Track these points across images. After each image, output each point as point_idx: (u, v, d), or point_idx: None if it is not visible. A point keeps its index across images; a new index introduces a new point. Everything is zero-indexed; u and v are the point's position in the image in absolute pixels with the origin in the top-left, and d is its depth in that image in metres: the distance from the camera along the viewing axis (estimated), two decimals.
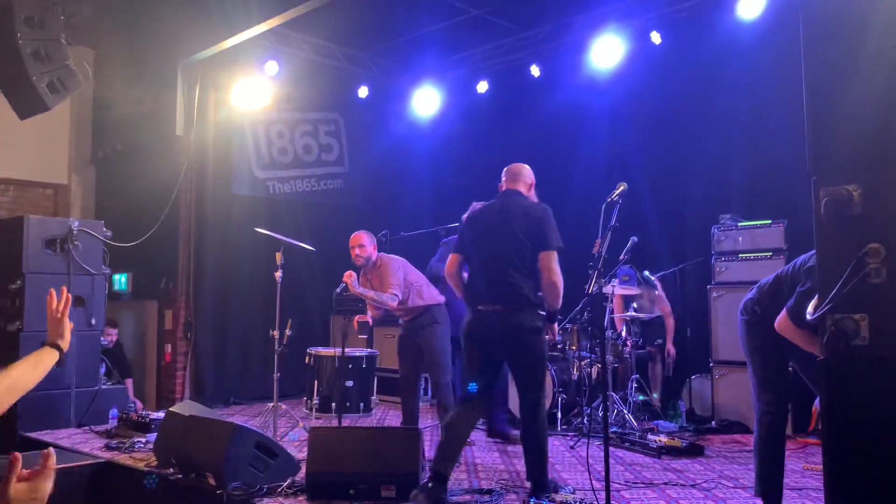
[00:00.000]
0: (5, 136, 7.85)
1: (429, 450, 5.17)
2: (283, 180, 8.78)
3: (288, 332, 5.75)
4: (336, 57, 8.64)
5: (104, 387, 6.52)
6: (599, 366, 6.15)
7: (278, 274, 5.72)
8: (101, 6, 7.11)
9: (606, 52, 7.21)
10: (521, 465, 4.99)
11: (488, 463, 5.10)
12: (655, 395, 6.75)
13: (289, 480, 4.19)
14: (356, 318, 5.86)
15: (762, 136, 6.65)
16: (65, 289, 2.12)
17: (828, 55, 2.47)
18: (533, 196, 4.39)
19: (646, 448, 5.35)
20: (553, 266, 3.99)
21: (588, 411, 6.10)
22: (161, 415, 5.40)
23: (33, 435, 5.81)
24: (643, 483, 4.48)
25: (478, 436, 6.03)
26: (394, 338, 7.88)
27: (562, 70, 7.83)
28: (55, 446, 4.99)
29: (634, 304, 6.65)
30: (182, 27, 7.44)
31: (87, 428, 6.10)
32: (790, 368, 3.79)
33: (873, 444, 2.33)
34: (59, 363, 2.01)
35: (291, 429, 5.93)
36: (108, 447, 5.28)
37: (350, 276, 5.39)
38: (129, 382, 7.46)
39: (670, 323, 6.89)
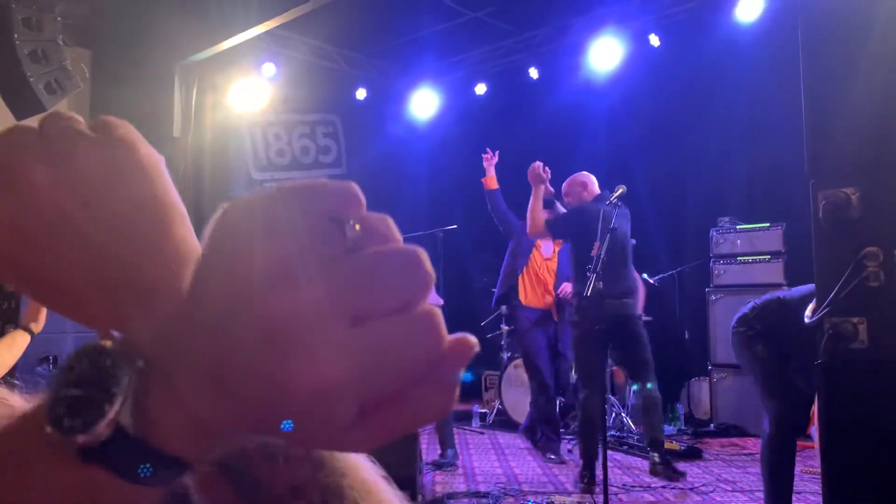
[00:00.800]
0: None
1: (426, 453, 5.16)
2: (281, 182, 8.77)
3: None
4: (334, 59, 8.63)
5: None
6: None
7: None
8: (98, 8, 7.10)
9: (605, 54, 7.21)
10: (518, 469, 4.98)
11: (486, 467, 5.08)
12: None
13: None
14: None
15: (761, 139, 6.64)
16: None
17: (826, 60, 2.46)
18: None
19: (644, 451, 5.34)
20: None
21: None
22: None
23: None
24: (641, 486, 4.47)
25: (480, 440, 6.02)
26: None
27: (560, 72, 7.82)
28: None
29: None
30: (179, 29, 7.42)
31: None
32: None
33: (871, 447, 2.32)
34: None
35: None
36: None
37: None
38: None
39: None
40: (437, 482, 4.59)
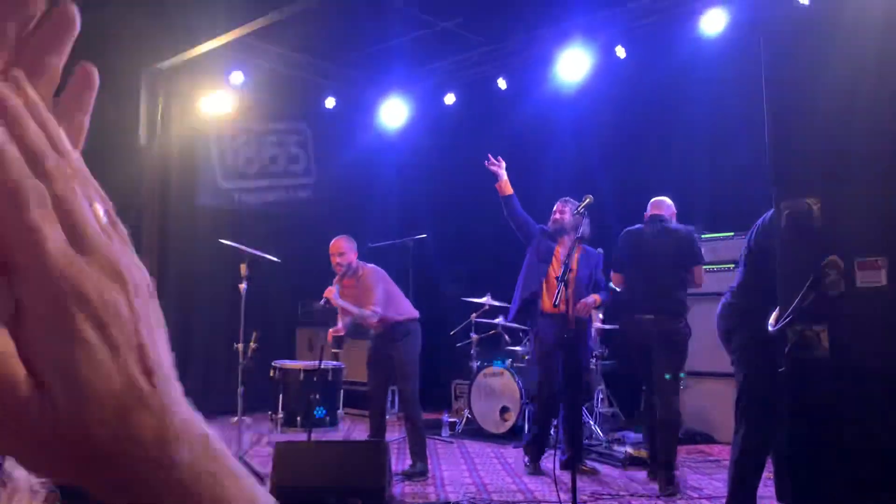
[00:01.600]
0: None
1: (395, 463, 5.14)
2: (249, 190, 8.69)
3: (253, 344, 5.67)
4: (303, 67, 8.60)
5: None
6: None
7: (243, 286, 5.64)
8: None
9: (572, 65, 7.29)
10: (487, 478, 4.98)
11: (455, 476, 5.07)
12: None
13: None
14: (330, 331, 5.75)
15: (725, 150, 6.76)
16: None
17: (787, 74, 2.52)
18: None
19: (612, 459, 5.37)
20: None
21: (555, 423, 6.11)
22: None
23: None
24: (609, 494, 4.49)
25: (449, 449, 6.00)
26: (360, 350, 7.83)
27: (529, 83, 7.88)
28: None
29: (600, 315, 6.69)
30: (146, 35, 7.34)
31: None
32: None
33: (834, 451, 2.36)
34: None
35: (256, 443, 5.85)
36: None
37: (330, 292, 5.24)
38: None
39: None
40: (407, 493, 4.57)
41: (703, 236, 6.41)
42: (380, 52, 8.22)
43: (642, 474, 5.03)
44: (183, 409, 0.32)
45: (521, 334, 7.12)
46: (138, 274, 0.32)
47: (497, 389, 6.50)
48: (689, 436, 6.20)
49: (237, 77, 7.90)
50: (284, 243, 7.86)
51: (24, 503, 0.42)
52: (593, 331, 6.59)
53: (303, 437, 5.71)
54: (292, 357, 8.15)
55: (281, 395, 6.48)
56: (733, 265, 6.19)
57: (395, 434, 6.28)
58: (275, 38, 7.96)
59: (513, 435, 6.39)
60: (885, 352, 2.28)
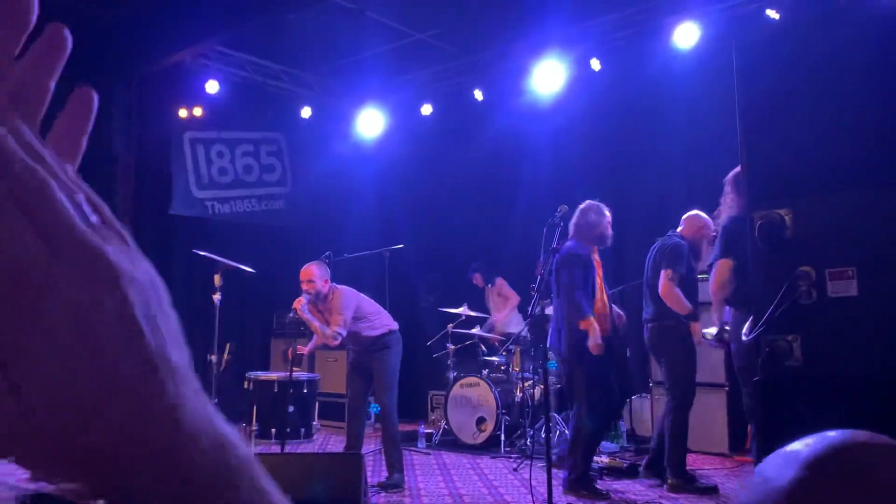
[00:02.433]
0: None
1: (372, 475, 5.10)
2: (223, 200, 8.62)
3: (226, 356, 5.61)
4: (278, 77, 8.57)
5: None
6: (542, 387, 6.18)
7: (217, 296, 5.58)
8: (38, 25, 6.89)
9: (548, 77, 7.34)
10: (464, 489, 4.97)
11: (432, 488, 5.05)
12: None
13: None
14: (295, 348, 5.67)
15: (699, 161, 6.83)
16: None
17: (759, 86, 2.55)
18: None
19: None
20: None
21: (531, 433, 6.11)
22: None
23: None
24: None
25: (426, 460, 5.96)
26: (336, 361, 7.78)
27: (505, 94, 7.93)
28: None
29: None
30: (120, 44, 7.27)
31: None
32: None
33: None
34: None
35: None
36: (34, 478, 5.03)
37: (299, 303, 5.21)
38: None
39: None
40: None
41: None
42: (356, 63, 8.22)
43: (618, 483, 5.05)
44: (198, 410, 0.31)
45: (496, 345, 7.12)
46: (137, 269, 0.31)
47: (474, 400, 6.49)
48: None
49: (212, 86, 7.85)
50: (259, 254, 7.81)
51: None
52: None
53: (277, 449, 5.66)
54: (267, 368, 8.07)
55: (255, 407, 6.41)
56: (706, 275, 6.26)
57: (371, 446, 6.23)
58: (250, 48, 7.94)
59: (489, 445, 6.38)
60: (857, 360, 2.31)
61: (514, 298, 7.60)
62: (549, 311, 6.16)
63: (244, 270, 5.86)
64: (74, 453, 0.28)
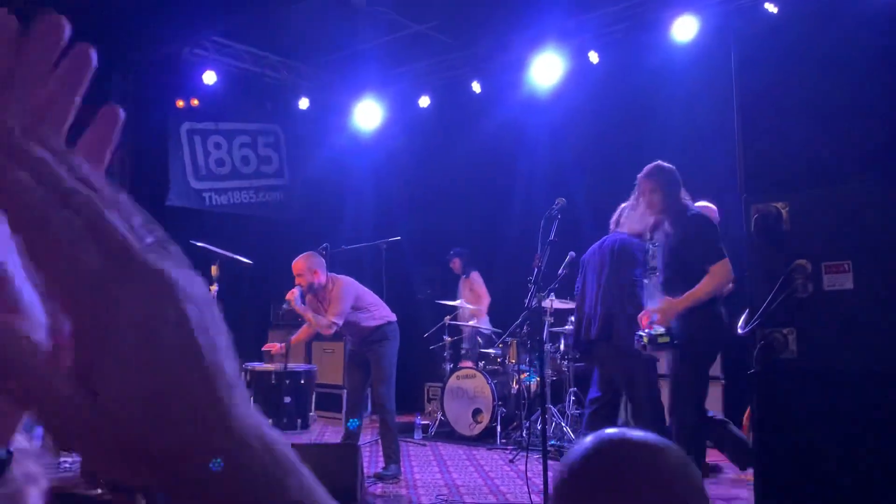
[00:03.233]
0: None
1: (368, 466, 5.12)
2: (221, 191, 8.61)
3: None
4: (276, 68, 8.55)
5: None
6: (538, 379, 6.20)
7: (214, 288, 5.57)
8: (27, 10, 6.87)
9: (546, 69, 7.34)
10: (459, 480, 4.99)
11: (428, 479, 5.07)
12: None
13: None
14: (289, 343, 5.65)
15: (696, 154, 6.83)
16: None
17: (757, 80, 2.56)
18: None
19: None
20: None
21: (527, 424, 6.13)
22: None
23: None
24: None
25: (422, 451, 5.99)
26: (333, 353, 7.80)
27: (503, 87, 7.92)
28: None
29: (572, 318, 6.73)
30: (117, 33, 7.25)
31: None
32: None
33: (802, 453, 2.40)
34: None
35: None
36: None
37: (292, 295, 5.22)
38: None
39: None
40: (379, 494, 4.56)
41: None
42: (354, 55, 8.20)
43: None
44: (246, 414, 0.33)
45: (493, 337, 7.14)
46: (191, 284, 0.34)
47: (470, 392, 6.51)
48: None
49: (210, 77, 7.83)
50: (256, 245, 7.80)
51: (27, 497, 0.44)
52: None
53: None
54: (263, 359, 8.08)
55: (252, 398, 6.42)
56: None
57: (367, 437, 6.25)
58: (248, 39, 7.92)
59: (485, 437, 6.40)
60: (851, 353, 2.32)
61: (486, 298, 7.65)
62: (546, 303, 6.20)
63: (241, 262, 5.86)
64: (140, 452, 0.31)
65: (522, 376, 6.49)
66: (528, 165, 7.84)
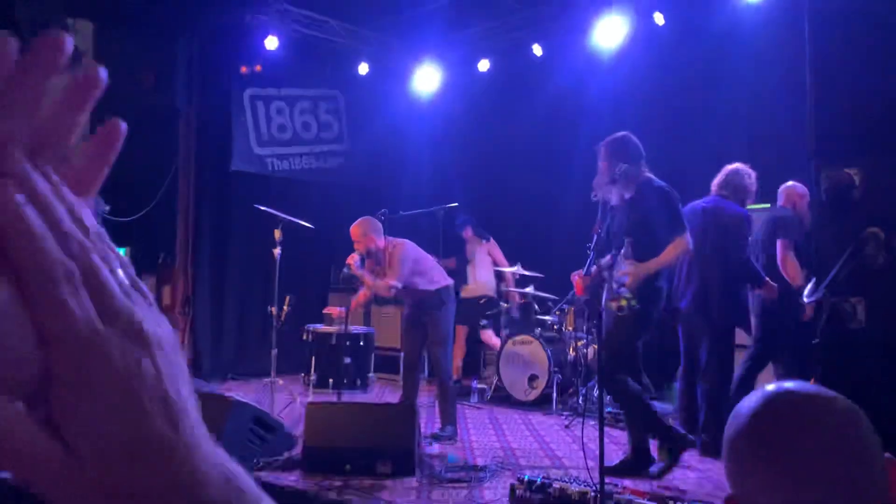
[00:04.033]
0: None
1: (425, 426, 5.21)
2: (282, 157, 8.74)
3: (286, 308, 5.76)
4: (336, 32, 8.57)
5: None
6: (595, 347, 6.17)
7: (277, 251, 5.71)
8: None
9: (609, 32, 7.16)
10: (515, 444, 5.04)
11: (484, 441, 5.13)
12: None
13: (285, 455, 4.22)
14: (333, 310, 5.75)
15: (763, 119, 6.62)
16: None
17: (834, 42, 2.45)
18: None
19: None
20: None
21: (583, 391, 6.13)
22: None
23: None
24: None
25: (478, 415, 6.05)
26: (391, 316, 7.91)
27: (564, 49, 7.77)
28: None
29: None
30: (182, 1, 7.37)
31: None
32: None
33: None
34: None
35: (289, 404, 5.96)
36: None
37: (353, 259, 5.31)
38: None
39: None
40: (435, 455, 4.64)
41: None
42: (413, 18, 8.16)
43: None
44: (209, 453, 0.35)
45: (549, 304, 7.12)
46: (161, 331, 0.35)
47: (526, 358, 6.53)
48: None
49: (272, 42, 7.91)
50: (317, 210, 7.93)
51: None
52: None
53: (334, 398, 5.82)
54: (324, 322, 8.26)
55: (313, 358, 6.58)
56: None
57: (425, 399, 6.35)
58: (308, 3, 7.95)
59: (541, 402, 6.43)
60: None
61: (505, 265, 7.54)
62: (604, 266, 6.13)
63: (303, 226, 5.97)
64: (111, 496, 0.33)
65: (579, 344, 6.47)
66: (590, 130, 7.68)
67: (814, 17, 2.48)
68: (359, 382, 6.67)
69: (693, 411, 4.91)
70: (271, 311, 5.72)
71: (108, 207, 6.55)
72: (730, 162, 6.87)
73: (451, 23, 8.12)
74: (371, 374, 6.88)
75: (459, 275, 7.39)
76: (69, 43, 0.35)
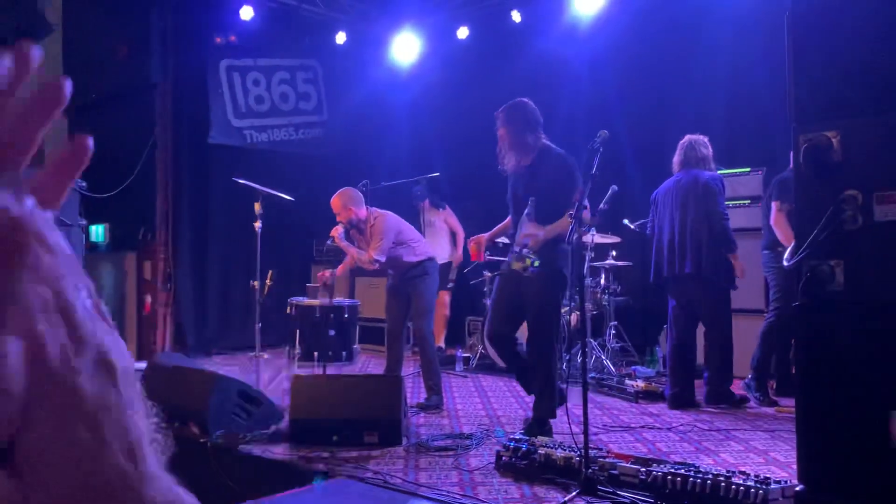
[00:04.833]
0: None
1: (411, 396, 5.25)
2: (261, 129, 8.64)
3: (269, 282, 5.73)
4: (313, 1, 8.44)
5: None
6: (579, 313, 6.22)
7: (258, 224, 5.67)
8: None
9: None
10: (500, 411, 5.09)
11: (469, 409, 5.18)
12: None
13: (272, 428, 4.24)
14: (325, 273, 5.76)
15: (743, 84, 6.63)
16: None
17: (811, 3, 2.45)
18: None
19: (623, 393, 5.46)
20: None
21: (567, 358, 6.19)
22: (142, 366, 5.41)
23: None
24: (621, 426, 4.58)
25: (463, 383, 6.10)
26: (376, 288, 7.91)
27: (543, 16, 7.71)
28: None
29: (613, 252, 6.71)
30: None
31: None
32: None
33: (846, 386, 2.39)
34: None
35: (274, 378, 5.97)
36: None
37: (336, 231, 5.32)
38: None
39: None
40: (421, 424, 4.68)
41: (719, 172, 6.36)
42: None
43: (654, 407, 5.12)
44: (165, 486, 0.35)
45: None
46: (124, 361, 0.34)
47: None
48: (700, 371, 6.26)
49: (247, 12, 7.77)
50: (298, 182, 7.87)
51: None
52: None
53: (320, 371, 5.83)
54: (307, 295, 8.25)
55: (298, 332, 6.58)
56: (748, 201, 6.16)
57: (410, 369, 6.39)
58: None
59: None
60: None
61: (461, 233, 7.62)
62: (586, 238, 6.17)
63: (283, 198, 5.92)
64: None
65: (563, 310, 6.51)
66: (570, 97, 7.67)
67: None
68: (344, 355, 6.68)
69: (682, 375, 5.22)
70: (254, 286, 5.69)
71: (84, 184, 6.45)
72: (710, 128, 6.89)
73: None
74: (356, 346, 6.89)
75: None
76: (38, 53, 0.34)
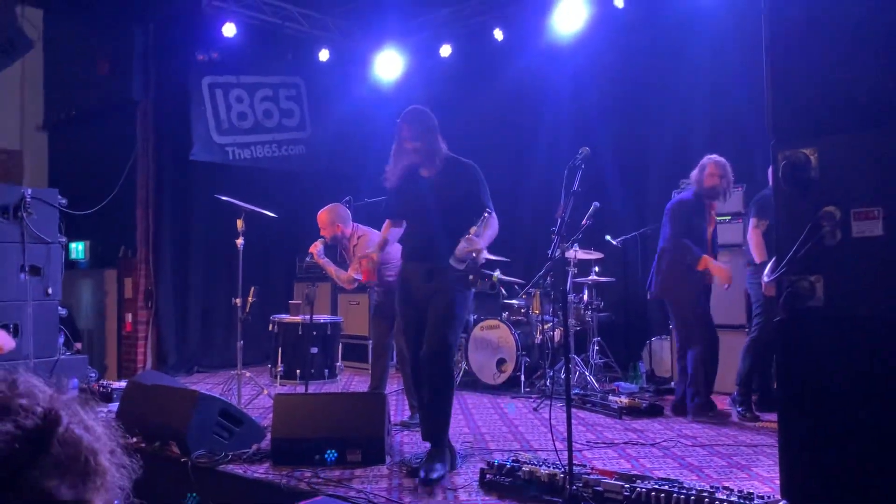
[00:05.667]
0: None
1: (394, 414, 5.21)
2: (243, 146, 8.62)
3: (251, 299, 5.70)
4: (296, 19, 8.46)
5: (63, 357, 6.41)
6: (562, 329, 6.23)
7: (240, 241, 5.64)
8: None
9: (569, 15, 7.16)
10: (484, 428, 5.07)
11: (453, 426, 5.15)
12: None
13: (254, 447, 4.19)
14: (313, 292, 5.72)
15: (723, 102, 6.71)
16: None
17: (788, 22, 2.49)
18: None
19: (607, 409, 5.46)
20: None
21: (551, 374, 6.19)
22: (123, 384, 5.34)
23: None
24: (604, 443, 4.58)
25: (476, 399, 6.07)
26: (358, 304, 7.89)
27: (525, 34, 7.77)
28: None
29: (596, 269, 6.73)
30: None
31: None
32: None
33: (827, 401, 2.40)
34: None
35: (256, 396, 5.92)
36: None
37: (315, 247, 5.32)
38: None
39: None
40: (405, 442, 4.65)
41: None
42: (374, 3, 8.09)
43: (637, 423, 5.13)
44: None
45: (516, 287, 7.16)
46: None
47: (494, 342, 6.57)
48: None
49: (229, 29, 7.77)
50: (280, 199, 7.85)
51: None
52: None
53: (301, 389, 5.79)
54: (289, 312, 8.20)
55: (280, 349, 6.54)
56: (729, 217, 6.22)
57: (394, 386, 6.35)
58: None
59: (509, 386, 6.48)
60: (881, 301, 2.30)
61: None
62: (569, 254, 6.20)
63: (266, 215, 5.91)
64: None
65: (546, 327, 6.53)
66: (552, 114, 7.74)
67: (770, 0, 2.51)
68: (327, 372, 6.64)
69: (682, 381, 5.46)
70: (236, 303, 5.66)
71: (65, 200, 6.40)
72: (690, 145, 6.97)
73: (411, 7, 8.07)
74: (339, 363, 6.85)
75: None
76: None
